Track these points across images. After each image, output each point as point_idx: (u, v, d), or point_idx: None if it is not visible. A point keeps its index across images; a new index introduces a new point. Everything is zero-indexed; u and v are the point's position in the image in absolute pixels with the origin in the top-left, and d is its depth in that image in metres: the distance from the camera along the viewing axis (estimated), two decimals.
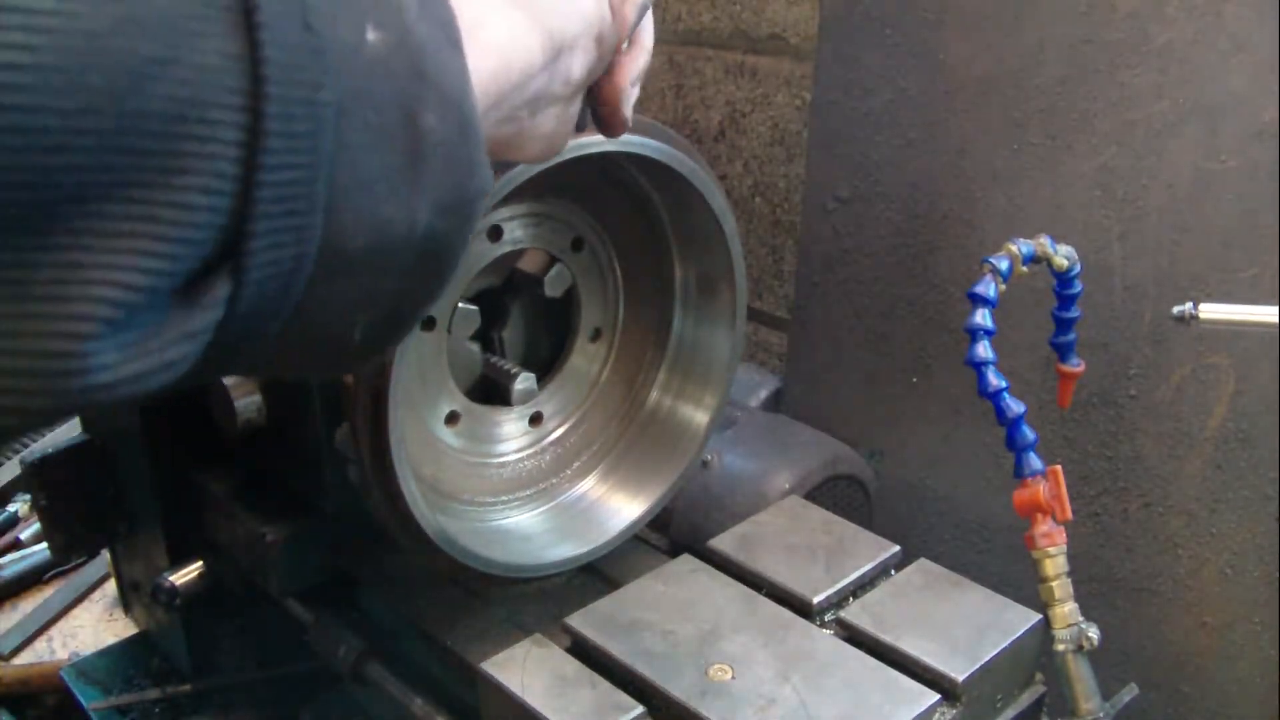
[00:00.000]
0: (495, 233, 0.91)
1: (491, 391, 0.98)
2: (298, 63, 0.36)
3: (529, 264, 0.98)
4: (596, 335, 1.03)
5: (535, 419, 1.01)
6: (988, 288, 0.90)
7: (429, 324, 0.89)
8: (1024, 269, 0.92)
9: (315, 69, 0.36)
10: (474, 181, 0.45)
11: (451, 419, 0.95)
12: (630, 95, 0.70)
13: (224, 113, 0.34)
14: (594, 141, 0.84)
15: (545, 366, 1.02)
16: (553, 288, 0.97)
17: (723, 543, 1.01)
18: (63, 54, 0.31)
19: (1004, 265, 0.91)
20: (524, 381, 0.95)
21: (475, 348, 0.97)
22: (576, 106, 0.63)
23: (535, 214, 0.94)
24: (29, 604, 1.62)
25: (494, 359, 0.97)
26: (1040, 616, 0.91)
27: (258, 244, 0.36)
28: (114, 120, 0.32)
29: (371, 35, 0.39)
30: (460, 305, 0.91)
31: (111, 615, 1.59)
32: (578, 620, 0.91)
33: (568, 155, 0.82)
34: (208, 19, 0.34)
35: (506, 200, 0.83)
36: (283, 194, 0.36)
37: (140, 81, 0.32)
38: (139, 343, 0.35)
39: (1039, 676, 0.95)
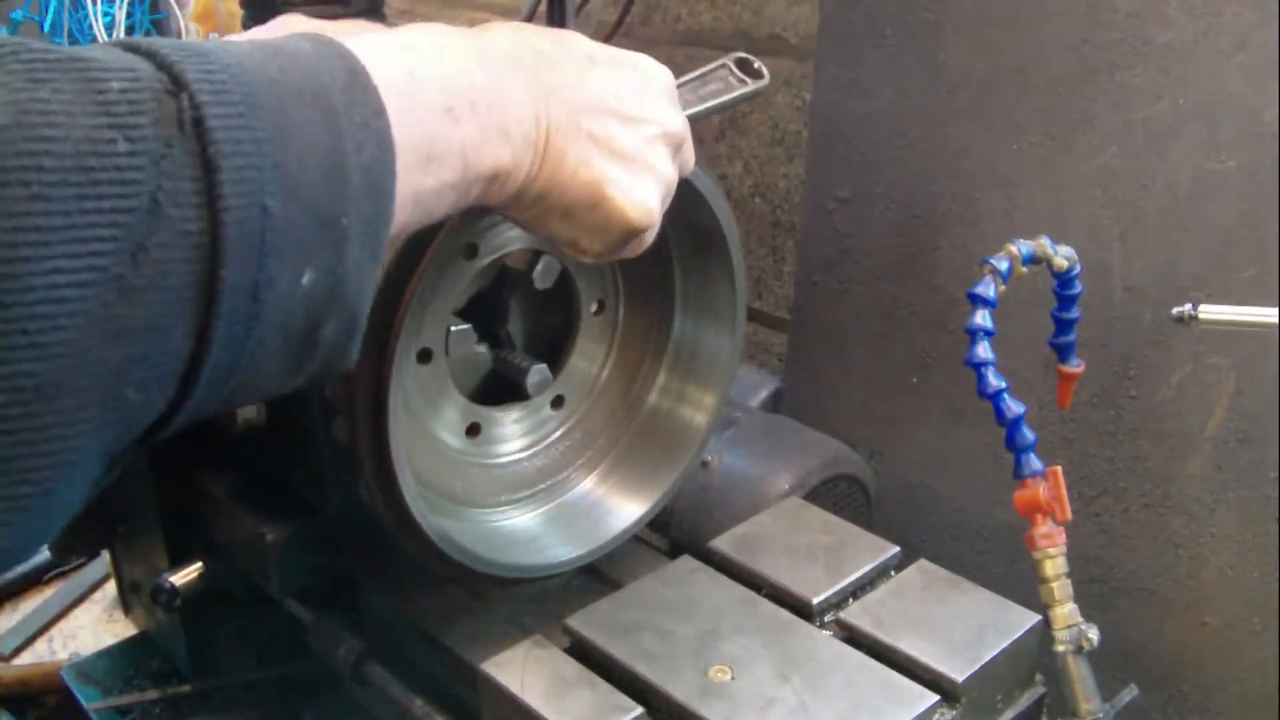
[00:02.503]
0: (471, 250, 0.89)
1: (502, 388, 0.98)
2: (236, 324, 0.45)
3: (516, 260, 0.97)
4: (601, 308, 1.02)
5: (557, 402, 1.01)
6: (987, 288, 0.90)
7: (425, 357, 0.89)
8: (1024, 269, 0.92)
9: (250, 322, 0.45)
10: (345, 364, 0.53)
11: (472, 430, 0.96)
12: None
13: (173, 361, 0.44)
14: None
15: (553, 355, 1.02)
16: (543, 280, 0.96)
17: (723, 543, 1.01)
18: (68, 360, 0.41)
19: (1004, 266, 0.91)
20: (537, 374, 0.95)
21: (482, 349, 0.96)
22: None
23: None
24: (29, 604, 1.62)
25: (503, 354, 0.97)
26: (1040, 617, 0.91)
27: (174, 425, 0.47)
28: (96, 382, 0.42)
29: (307, 278, 0.47)
30: (454, 328, 0.91)
31: (111, 616, 1.59)
32: (578, 621, 0.91)
33: None
34: (183, 316, 0.43)
35: (480, 214, 0.81)
36: (196, 407, 0.46)
37: (122, 371, 0.42)
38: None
39: (1039, 677, 0.95)
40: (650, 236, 0.70)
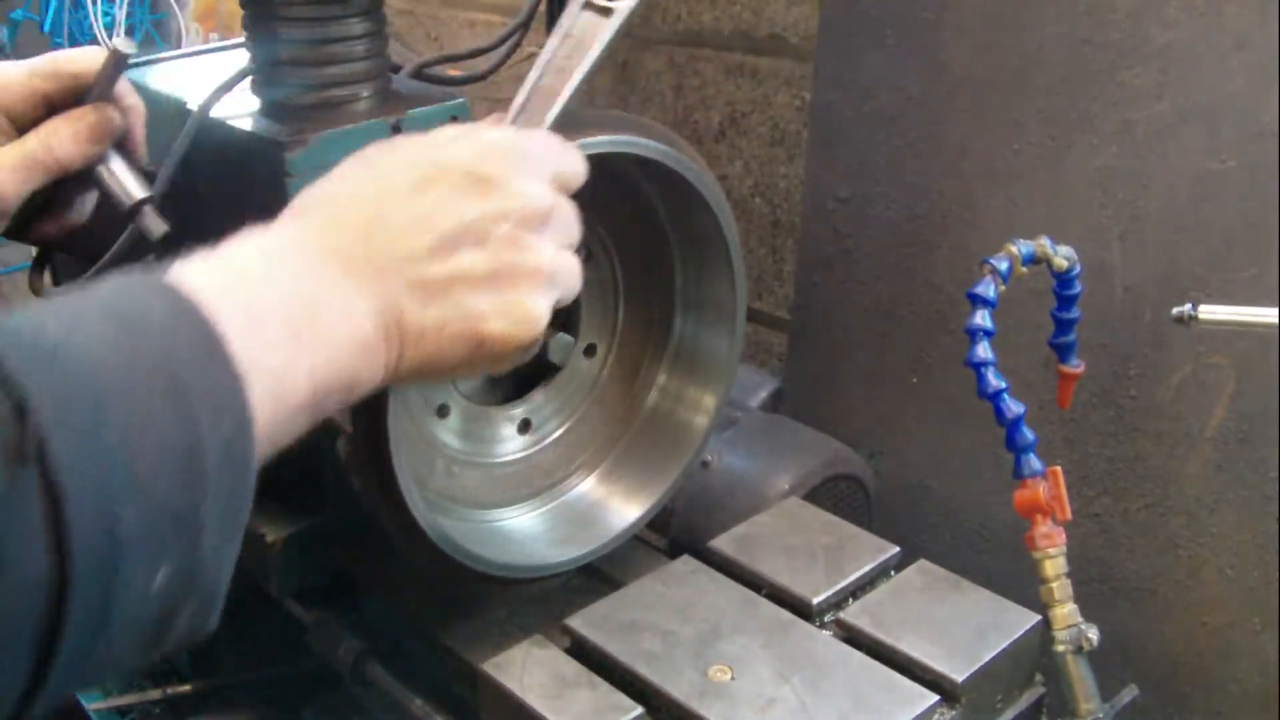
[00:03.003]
0: None
1: (496, 384, 0.98)
2: (83, 636, 0.43)
3: None
4: (591, 350, 1.03)
5: (525, 425, 1.01)
6: (987, 288, 0.90)
7: None
8: (1024, 269, 0.92)
9: (98, 630, 0.44)
10: (200, 636, 0.52)
11: (441, 411, 0.95)
12: None
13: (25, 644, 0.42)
14: (595, 142, 0.84)
15: (543, 371, 1.02)
16: None
17: (722, 544, 1.01)
18: None
19: (1004, 266, 0.91)
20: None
21: None
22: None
23: None
24: None
25: None
26: (1040, 617, 0.91)
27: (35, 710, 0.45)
28: None
29: (160, 576, 0.46)
30: None
31: None
32: (578, 621, 0.91)
33: None
34: (26, 644, 0.42)
35: None
36: (53, 689, 0.44)
37: None
38: None
39: (1039, 677, 0.95)
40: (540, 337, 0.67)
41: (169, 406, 0.45)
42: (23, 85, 0.80)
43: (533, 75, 0.77)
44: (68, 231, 0.87)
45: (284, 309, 0.54)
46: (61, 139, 0.79)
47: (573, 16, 0.77)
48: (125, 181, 0.84)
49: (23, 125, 0.80)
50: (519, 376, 0.99)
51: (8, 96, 0.79)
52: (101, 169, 0.83)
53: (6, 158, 0.78)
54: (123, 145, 0.85)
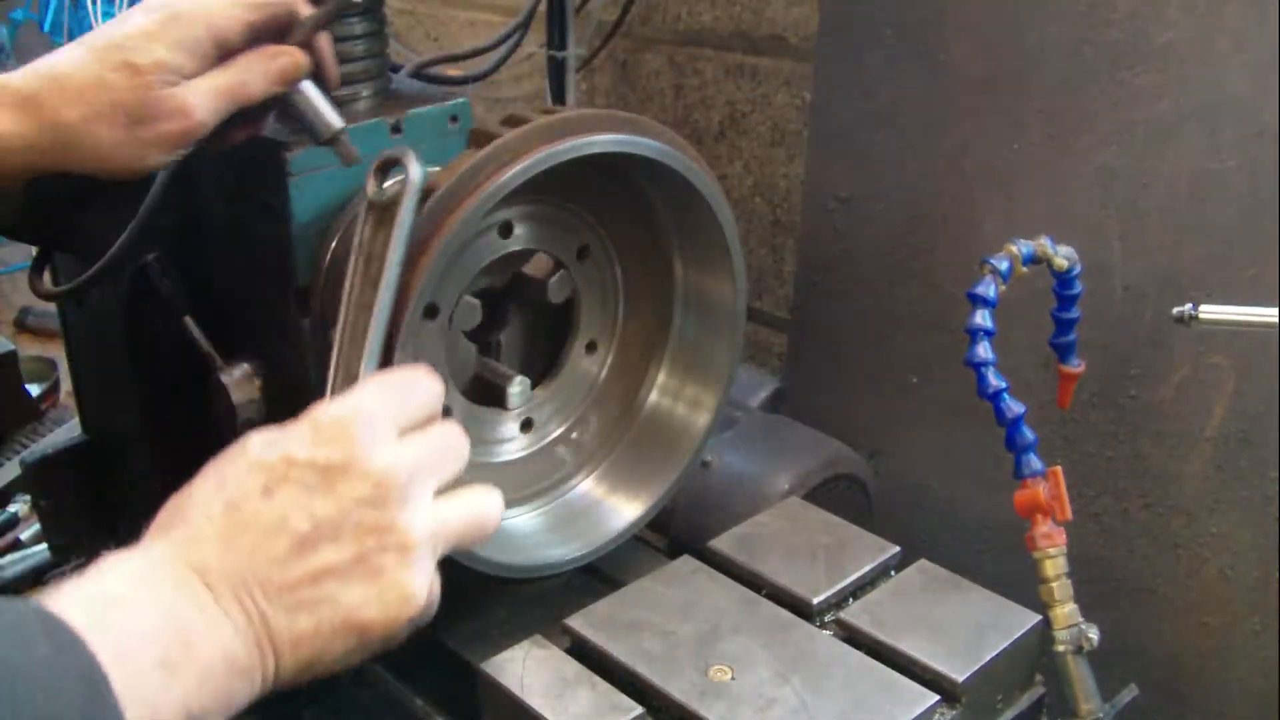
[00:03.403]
0: (506, 229, 0.91)
1: (487, 393, 0.98)
2: None
3: (534, 268, 0.98)
4: (592, 347, 1.03)
5: (526, 425, 1.01)
6: (988, 288, 0.90)
7: (431, 312, 0.89)
8: (1024, 269, 0.92)
9: None
10: None
11: (443, 412, 0.95)
12: None
13: None
14: (595, 141, 0.84)
15: (543, 369, 1.02)
16: (555, 293, 0.97)
17: (723, 543, 1.01)
18: None
19: (1004, 266, 0.91)
20: (519, 385, 0.95)
21: (473, 349, 0.97)
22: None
23: (543, 215, 0.94)
24: None
25: (490, 362, 0.97)
26: (1040, 617, 0.91)
27: None
28: None
29: None
30: (464, 298, 0.91)
31: None
32: (578, 621, 0.91)
33: (565, 156, 0.82)
34: None
35: (515, 195, 0.83)
36: None
37: None
38: None
39: (1039, 677, 0.95)
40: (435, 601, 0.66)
41: None
42: (229, 13, 0.81)
43: (341, 321, 0.77)
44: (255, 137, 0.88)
45: (156, 638, 0.55)
46: (254, 75, 0.81)
47: (360, 231, 0.78)
48: (322, 110, 0.85)
49: (226, 52, 0.81)
50: None
51: (215, 22, 0.80)
52: (298, 98, 0.84)
53: (204, 84, 0.80)
54: (317, 75, 0.86)
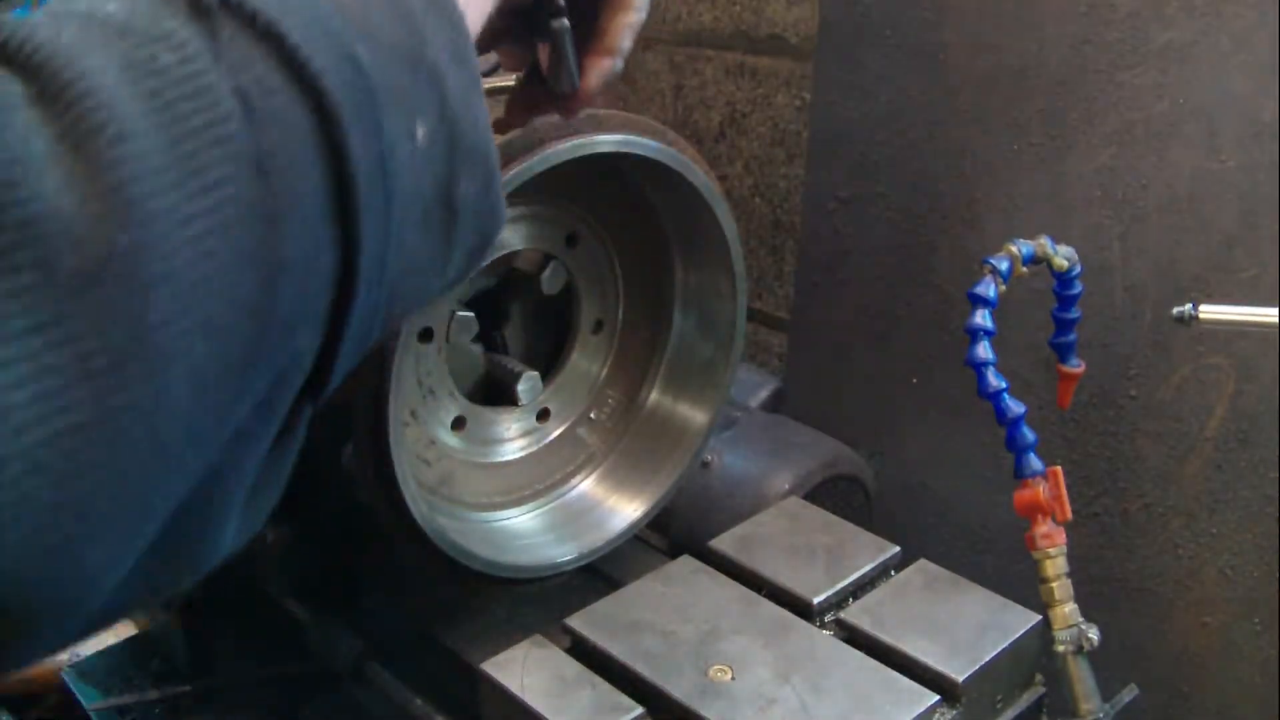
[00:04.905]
0: None
1: (495, 391, 0.98)
2: (375, 207, 0.39)
3: (525, 262, 0.98)
4: (599, 327, 1.02)
5: (543, 415, 1.01)
6: (988, 288, 0.90)
7: (426, 336, 0.89)
8: (1024, 269, 0.92)
9: (388, 201, 0.39)
10: (495, 223, 0.47)
11: (458, 424, 0.95)
12: (605, 67, 0.71)
13: (323, 283, 0.38)
14: (595, 141, 0.84)
15: (548, 363, 1.02)
16: (549, 285, 0.97)
17: (723, 543, 1.01)
18: None
19: (1004, 266, 0.91)
20: (528, 380, 0.95)
21: (477, 349, 0.97)
22: None
23: (527, 216, 0.94)
24: None
25: (498, 357, 0.97)
26: (1040, 617, 0.91)
27: (337, 368, 0.41)
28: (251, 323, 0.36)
29: (420, 131, 0.41)
30: (457, 313, 0.91)
31: None
32: (578, 621, 0.91)
33: (565, 156, 0.82)
34: (323, 211, 0.37)
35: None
36: (359, 330, 0.40)
37: (273, 278, 0.36)
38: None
39: (1039, 677, 0.95)
40: None
41: None
42: None
43: None
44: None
45: None
46: None
47: None
48: (572, 64, 0.77)
49: None
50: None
51: None
52: (565, 38, 0.75)
53: None
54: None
